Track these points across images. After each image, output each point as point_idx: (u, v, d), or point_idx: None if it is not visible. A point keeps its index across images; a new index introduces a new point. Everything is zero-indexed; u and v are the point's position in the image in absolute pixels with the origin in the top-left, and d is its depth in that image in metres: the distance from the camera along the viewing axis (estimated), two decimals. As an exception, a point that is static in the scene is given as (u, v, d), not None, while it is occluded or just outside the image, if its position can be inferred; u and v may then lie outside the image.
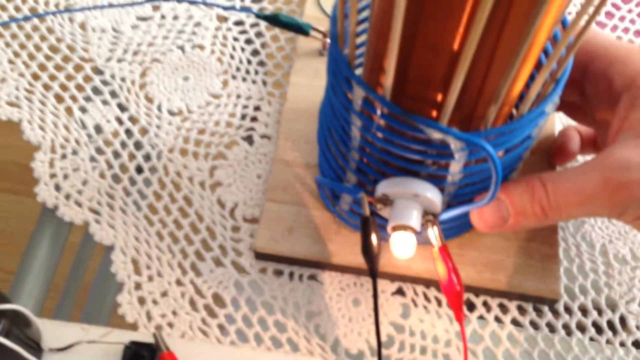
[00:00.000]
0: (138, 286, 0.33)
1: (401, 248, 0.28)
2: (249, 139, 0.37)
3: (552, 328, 0.32)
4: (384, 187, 0.27)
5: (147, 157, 0.37)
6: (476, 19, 0.19)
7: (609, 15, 0.43)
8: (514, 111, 0.27)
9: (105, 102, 0.39)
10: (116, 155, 0.37)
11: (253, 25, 0.42)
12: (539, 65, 0.27)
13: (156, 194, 0.35)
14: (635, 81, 0.27)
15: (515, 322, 0.32)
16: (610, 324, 0.32)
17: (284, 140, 0.35)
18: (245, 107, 0.38)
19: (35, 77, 0.40)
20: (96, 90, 0.39)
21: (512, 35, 0.20)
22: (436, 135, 0.23)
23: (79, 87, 0.39)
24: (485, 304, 0.32)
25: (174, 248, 0.33)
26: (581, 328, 0.32)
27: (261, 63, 0.40)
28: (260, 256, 0.33)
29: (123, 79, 0.39)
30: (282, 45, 0.41)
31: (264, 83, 0.39)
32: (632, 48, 0.28)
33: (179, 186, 0.35)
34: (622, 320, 0.32)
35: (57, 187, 0.35)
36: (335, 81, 0.26)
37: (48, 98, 0.39)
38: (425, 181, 0.26)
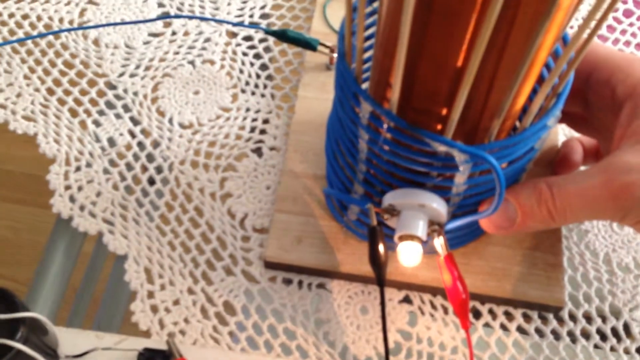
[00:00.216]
0: (151, 294, 0.33)
1: (408, 257, 0.29)
2: (258, 151, 0.38)
3: (557, 335, 0.32)
4: (390, 198, 0.28)
5: (159, 169, 0.37)
6: (479, 38, 0.20)
7: (611, 29, 0.44)
8: (517, 124, 0.28)
9: (118, 116, 0.40)
10: (129, 167, 0.38)
11: (262, 41, 0.43)
12: (541, 80, 0.27)
13: (168, 204, 0.36)
14: (636, 89, 0.28)
15: (520, 330, 0.32)
16: (615, 331, 0.32)
17: (293, 152, 0.36)
18: (254, 120, 0.39)
19: (51, 92, 0.41)
20: (109, 105, 0.40)
21: (514, 52, 0.21)
22: (441, 148, 0.24)
23: (93, 102, 0.40)
24: (491, 311, 0.33)
25: (185, 257, 0.34)
26: (586, 335, 0.32)
27: (270, 77, 0.41)
28: (269, 265, 0.33)
29: (135, 93, 0.40)
30: (290, 60, 0.42)
31: (273, 96, 0.40)
32: (634, 58, 0.29)
33: (190, 197, 0.36)
34: (626, 327, 0.33)
35: (72, 199, 0.36)
36: (343, 95, 0.27)
37: (63, 112, 0.40)
38: (430, 192, 0.27)
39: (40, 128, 0.39)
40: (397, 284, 0.33)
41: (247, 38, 0.43)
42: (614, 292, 0.33)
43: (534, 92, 0.26)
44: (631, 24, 0.44)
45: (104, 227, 0.35)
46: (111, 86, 0.41)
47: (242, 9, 0.44)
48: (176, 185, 0.37)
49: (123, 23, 0.43)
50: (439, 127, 0.25)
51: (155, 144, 0.38)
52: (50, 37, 0.43)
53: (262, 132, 0.39)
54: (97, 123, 0.39)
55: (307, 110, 0.37)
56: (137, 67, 0.41)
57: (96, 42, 0.42)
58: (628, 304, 0.33)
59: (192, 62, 0.42)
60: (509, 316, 0.33)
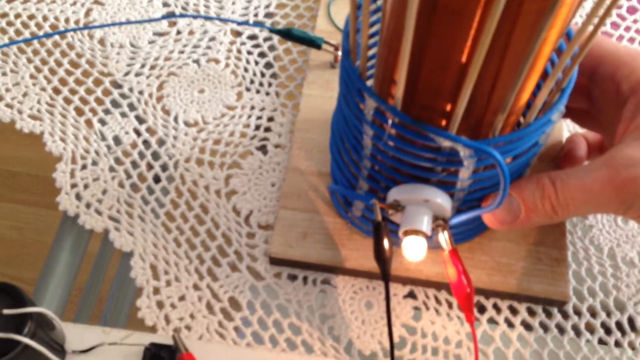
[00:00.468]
0: (156, 291, 0.34)
1: (412, 252, 0.29)
2: (263, 149, 0.38)
3: (561, 329, 0.32)
4: (395, 194, 0.28)
5: (165, 167, 0.38)
6: (483, 34, 0.20)
7: (615, 25, 0.44)
8: (522, 119, 0.28)
9: (123, 115, 0.40)
10: (135, 165, 0.38)
11: (266, 39, 0.43)
12: (545, 75, 0.27)
13: (173, 202, 0.36)
14: None
15: (525, 324, 0.33)
16: (619, 325, 0.33)
17: (297, 149, 0.36)
18: (259, 118, 0.40)
19: (57, 91, 0.41)
20: (115, 103, 0.40)
21: (518, 48, 0.21)
22: (445, 144, 0.24)
23: (99, 101, 0.41)
24: (495, 306, 0.33)
25: (191, 254, 0.35)
26: (590, 329, 0.33)
27: (274, 75, 0.42)
28: (274, 261, 0.34)
29: (141, 92, 0.41)
30: (295, 58, 0.42)
31: (277, 94, 0.41)
32: (638, 53, 0.29)
33: (195, 195, 0.37)
34: (631, 321, 0.33)
35: (78, 197, 0.37)
36: (348, 92, 0.27)
37: (69, 111, 0.40)
38: (435, 187, 0.27)
39: (47, 127, 0.39)
40: (402, 279, 0.33)
41: (252, 37, 0.43)
42: (618, 287, 0.34)
43: (538, 87, 0.27)
44: (635, 21, 0.44)
45: (110, 225, 0.36)
46: (117, 85, 0.41)
47: (246, 8, 0.44)
48: (181, 183, 0.37)
49: (128, 23, 0.43)
50: (444, 122, 0.25)
51: (161, 142, 0.39)
52: (57, 37, 0.43)
53: (267, 129, 0.39)
54: (103, 122, 0.40)
55: (311, 108, 0.38)
56: (143, 66, 0.42)
57: (102, 41, 0.43)
58: (632, 298, 0.33)
59: (197, 61, 0.42)
60: (513, 311, 0.33)
